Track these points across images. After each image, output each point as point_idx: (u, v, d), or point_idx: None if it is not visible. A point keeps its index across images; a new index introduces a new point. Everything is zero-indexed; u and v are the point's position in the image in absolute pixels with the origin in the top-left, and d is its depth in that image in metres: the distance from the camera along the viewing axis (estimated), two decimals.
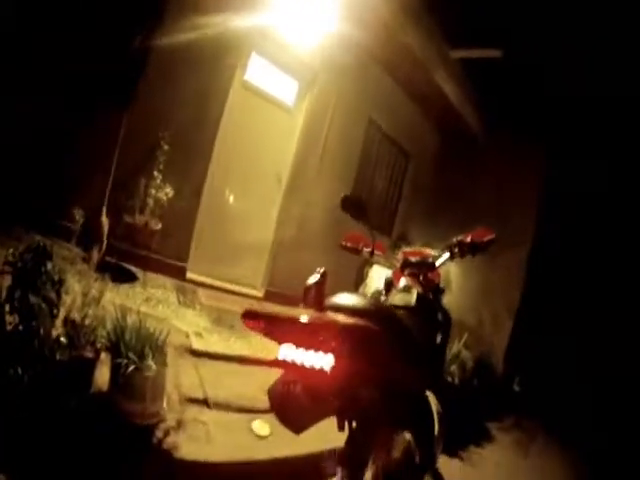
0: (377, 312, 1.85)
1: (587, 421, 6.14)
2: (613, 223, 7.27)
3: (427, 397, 2.15)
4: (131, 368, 2.79)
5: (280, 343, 1.57)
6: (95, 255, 4.57)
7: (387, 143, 8.84)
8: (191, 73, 5.62)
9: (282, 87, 6.91)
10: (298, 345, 1.52)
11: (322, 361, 1.48)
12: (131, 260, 5.16)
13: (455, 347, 5.84)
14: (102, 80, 4.92)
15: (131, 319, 3.08)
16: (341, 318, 1.62)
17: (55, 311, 2.65)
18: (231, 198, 6.62)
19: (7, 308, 2.51)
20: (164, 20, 5.23)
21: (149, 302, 4.57)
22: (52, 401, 2.51)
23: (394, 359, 1.81)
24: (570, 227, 7.65)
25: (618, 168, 7.24)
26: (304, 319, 1.49)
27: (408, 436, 1.75)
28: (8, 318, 2.51)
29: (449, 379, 5.40)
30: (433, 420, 2.02)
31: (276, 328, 1.60)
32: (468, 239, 2.66)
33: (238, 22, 5.68)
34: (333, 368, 1.47)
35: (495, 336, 7.84)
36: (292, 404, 1.78)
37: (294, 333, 1.55)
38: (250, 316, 1.61)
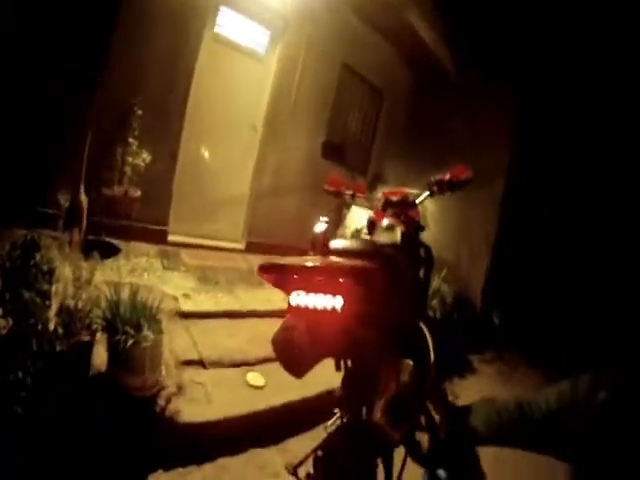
0: (373, 252, 2.03)
1: (564, 348, 6.26)
2: (586, 159, 7.24)
3: (421, 328, 2.27)
4: (130, 342, 2.88)
5: (290, 292, 1.69)
6: (77, 236, 4.62)
7: (360, 84, 8.76)
8: (159, 33, 5.54)
9: (253, 37, 6.83)
10: (309, 291, 1.65)
11: (333, 302, 1.61)
12: (113, 233, 5.21)
13: (435, 282, 6.00)
14: (70, 49, 4.80)
15: (124, 293, 3.16)
16: (346, 262, 1.77)
17: (48, 302, 2.72)
18: (207, 154, 6.64)
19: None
20: None
21: (134, 272, 4.66)
22: (54, 394, 2.60)
23: (392, 294, 1.94)
24: (543, 163, 7.67)
25: (590, 108, 7.16)
26: (315, 264, 1.68)
27: (411, 364, 1.91)
28: (1, 322, 2.54)
29: (431, 313, 5.56)
30: (429, 348, 2.17)
31: (288, 277, 1.73)
32: (447, 177, 2.72)
33: None
34: (343, 308, 1.60)
35: (473, 271, 7.97)
36: (294, 349, 1.91)
37: (305, 280, 1.68)
38: (264, 269, 1.76)
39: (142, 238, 5.71)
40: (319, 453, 2.00)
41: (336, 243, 1.96)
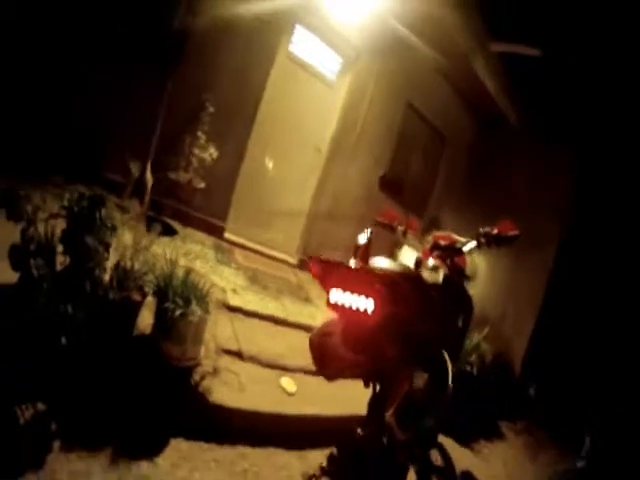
0: (410, 276, 2.12)
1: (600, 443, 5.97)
2: None
3: (444, 354, 2.30)
4: (178, 312, 2.95)
5: (329, 288, 1.78)
6: (139, 208, 4.72)
7: (424, 126, 8.77)
8: (237, 40, 5.72)
9: (325, 61, 6.95)
10: (345, 289, 1.73)
11: (365, 303, 1.71)
12: (172, 215, 5.35)
13: (476, 338, 5.83)
14: (152, 43, 5.08)
15: (179, 269, 3.25)
16: (380, 272, 1.87)
17: (107, 255, 2.79)
18: (271, 164, 6.72)
19: (60, 249, 2.66)
20: None
21: (188, 256, 4.68)
22: (101, 338, 2.69)
23: (418, 315, 2.00)
24: (600, 234, 7.29)
25: None
26: (353, 265, 1.83)
27: (426, 375, 1.92)
28: (59, 259, 2.66)
29: (468, 368, 5.41)
30: (447, 372, 2.18)
31: (330, 273, 1.82)
32: (495, 231, 2.76)
33: None
34: (373, 310, 1.70)
35: (515, 336, 7.69)
36: (329, 352, 2.03)
37: (343, 279, 1.77)
38: (313, 260, 1.88)
39: (199, 227, 5.81)
40: (334, 453, 2.11)
41: (379, 261, 2.06)
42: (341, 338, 1.98)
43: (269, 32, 5.98)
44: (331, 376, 2.12)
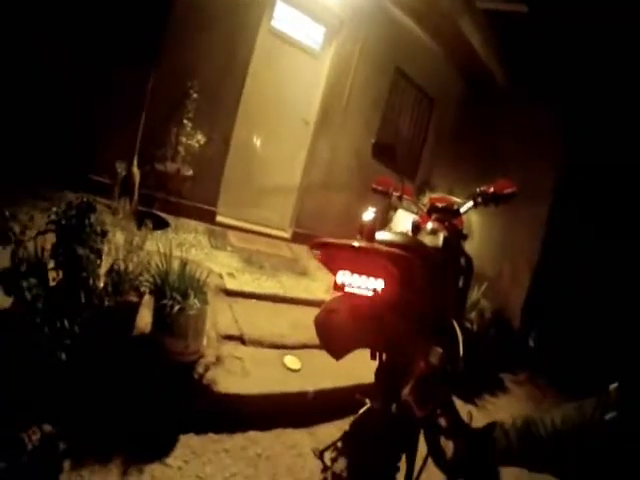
0: (416, 247, 2.10)
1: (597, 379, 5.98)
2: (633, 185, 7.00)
3: (453, 325, 2.31)
4: (176, 308, 2.98)
5: (336, 271, 1.79)
6: (128, 206, 4.73)
7: (412, 89, 8.76)
8: (217, 22, 5.66)
9: (308, 33, 6.90)
10: (353, 271, 1.76)
11: (375, 284, 1.74)
12: (163, 207, 5.35)
13: (475, 295, 5.96)
14: (128, 33, 4.99)
15: (174, 263, 3.27)
16: (390, 248, 1.84)
17: (99, 261, 2.81)
18: (259, 142, 6.74)
19: (51, 265, 2.68)
20: None
21: (182, 246, 4.70)
22: (98, 346, 2.73)
23: (429, 287, 2.01)
24: (590, 187, 7.43)
25: None
26: (361, 245, 1.77)
27: (441, 350, 1.96)
28: (51, 274, 2.67)
29: (468, 325, 5.52)
30: (458, 342, 2.22)
31: (336, 255, 1.86)
32: (491, 189, 2.74)
33: None
34: (383, 290, 1.73)
35: (513, 290, 7.83)
36: (334, 331, 2.09)
37: (351, 260, 1.79)
38: (316, 245, 1.87)
39: (191, 216, 5.85)
40: (348, 431, 2.13)
41: (382, 235, 2.01)
42: (350, 316, 2.02)
43: (250, 11, 5.93)
44: (338, 353, 2.14)
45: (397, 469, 2.12)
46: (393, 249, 1.84)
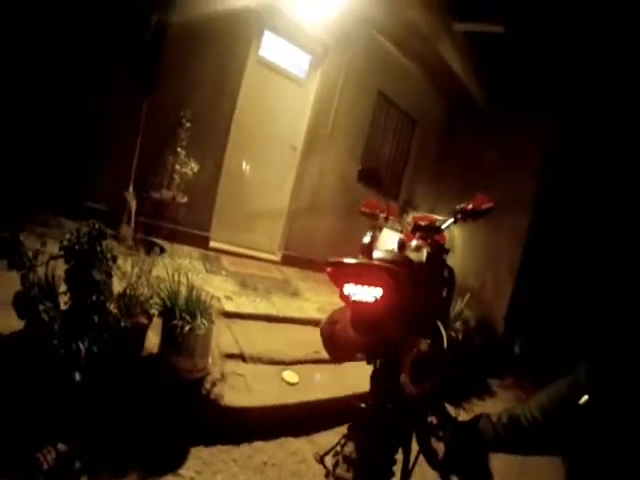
0: (404, 262, 2.37)
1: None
2: (609, 193, 7.28)
3: (438, 324, 2.54)
4: (187, 328, 3.16)
5: (343, 284, 2.05)
6: (125, 233, 4.94)
7: (395, 111, 9.01)
8: (207, 53, 5.87)
9: (295, 61, 7.16)
10: (357, 283, 2.02)
11: (375, 292, 2.01)
12: (158, 234, 5.50)
13: (458, 306, 6.10)
14: (124, 64, 5.18)
15: (182, 286, 3.46)
16: (384, 264, 2.13)
17: (111, 286, 2.95)
18: (249, 168, 6.95)
19: (61, 289, 2.79)
20: (176, 5, 5.43)
21: (179, 271, 4.89)
22: (113, 365, 2.87)
23: (416, 294, 2.27)
24: (570, 197, 7.68)
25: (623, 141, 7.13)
26: (362, 262, 2.10)
27: (429, 340, 2.22)
28: (62, 298, 2.79)
29: (453, 335, 5.66)
30: (443, 337, 2.46)
31: (342, 271, 2.10)
32: (469, 206, 2.96)
33: (249, 1, 5.98)
34: (382, 297, 2.00)
35: (496, 298, 8.04)
36: (337, 338, 2.36)
37: (354, 274, 2.04)
38: (328, 263, 2.12)
39: (185, 241, 6.01)
40: (346, 433, 2.31)
41: (376, 253, 2.27)
42: (351, 323, 2.24)
43: (239, 41, 6.17)
44: (341, 358, 2.50)
45: (394, 462, 2.31)
46: (388, 265, 2.12)
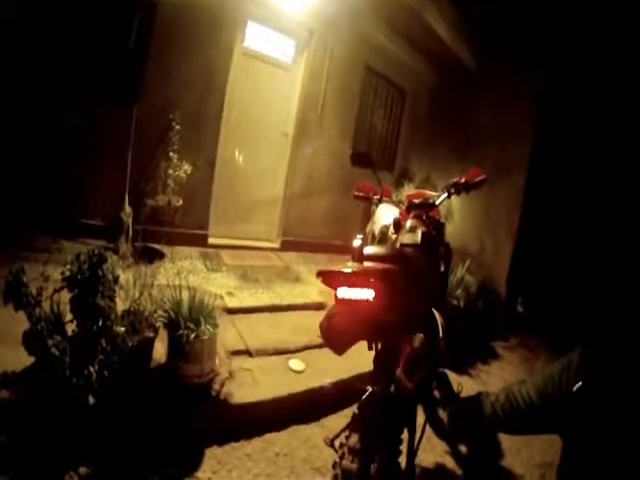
0: (396, 257, 2.50)
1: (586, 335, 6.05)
2: (606, 145, 7.14)
3: (433, 312, 2.73)
4: (192, 336, 3.28)
5: (336, 288, 2.18)
6: (124, 244, 5.09)
7: (384, 84, 9.03)
8: (191, 52, 5.95)
9: (280, 48, 7.24)
10: (350, 286, 2.15)
11: (367, 294, 2.13)
12: (157, 239, 5.50)
13: (459, 272, 6.23)
14: (110, 74, 5.31)
15: (183, 294, 3.55)
16: (375, 266, 2.27)
17: (114, 306, 3.06)
18: (242, 159, 7.11)
19: (67, 317, 2.90)
20: (156, 6, 5.55)
21: (180, 274, 4.94)
22: (123, 381, 2.97)
23: (409, 289, 2.41)
24: (565, 152, 7.59)
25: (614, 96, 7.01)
26: (351, 270, 2.18)
27: (422, 335, 2.36)
28: (69, 326, 2.90)
29: (455, 302, 5.76)
30: (438, 327, 2.62)
31: (336, 277, 2.21)
32: (462, 180, 3.16)
33: None
34: (374, 298, 2.12)
35: (497, 261, 8.06)
36: (335, 331, 2.51)
37: (347, 279, 2.17)
38: (320, 274, 2.25)
39: (184, 242, 6.15)
40: (355, 413, 2.47)
41: (368, 250, 2.40)
42: (347, 317, 2.42)
43: (223, 35, 6.23)
44: (341, 349, 2.52)
45: (400, 441, 2.47)
46: (378, 266, 2.27)
